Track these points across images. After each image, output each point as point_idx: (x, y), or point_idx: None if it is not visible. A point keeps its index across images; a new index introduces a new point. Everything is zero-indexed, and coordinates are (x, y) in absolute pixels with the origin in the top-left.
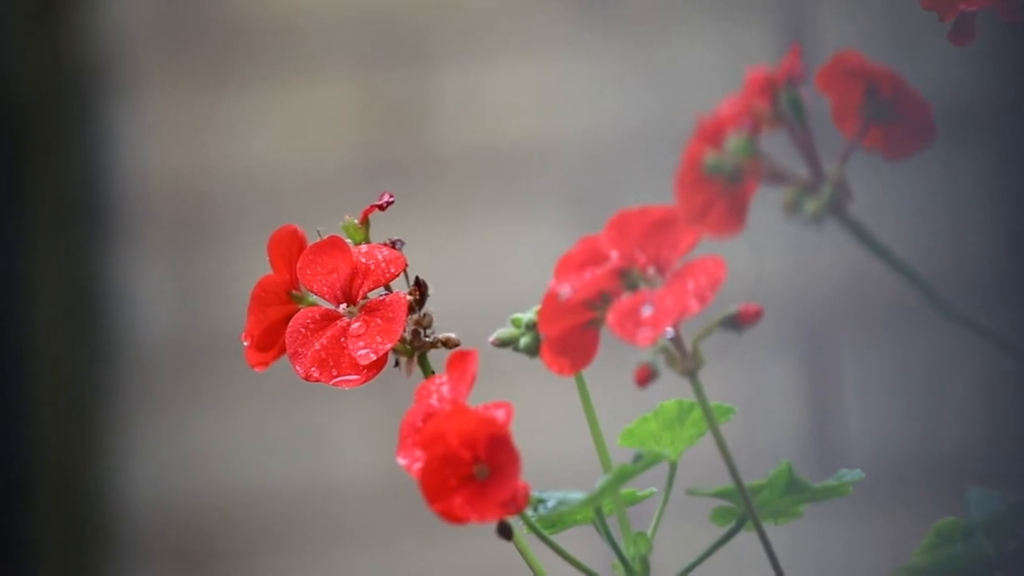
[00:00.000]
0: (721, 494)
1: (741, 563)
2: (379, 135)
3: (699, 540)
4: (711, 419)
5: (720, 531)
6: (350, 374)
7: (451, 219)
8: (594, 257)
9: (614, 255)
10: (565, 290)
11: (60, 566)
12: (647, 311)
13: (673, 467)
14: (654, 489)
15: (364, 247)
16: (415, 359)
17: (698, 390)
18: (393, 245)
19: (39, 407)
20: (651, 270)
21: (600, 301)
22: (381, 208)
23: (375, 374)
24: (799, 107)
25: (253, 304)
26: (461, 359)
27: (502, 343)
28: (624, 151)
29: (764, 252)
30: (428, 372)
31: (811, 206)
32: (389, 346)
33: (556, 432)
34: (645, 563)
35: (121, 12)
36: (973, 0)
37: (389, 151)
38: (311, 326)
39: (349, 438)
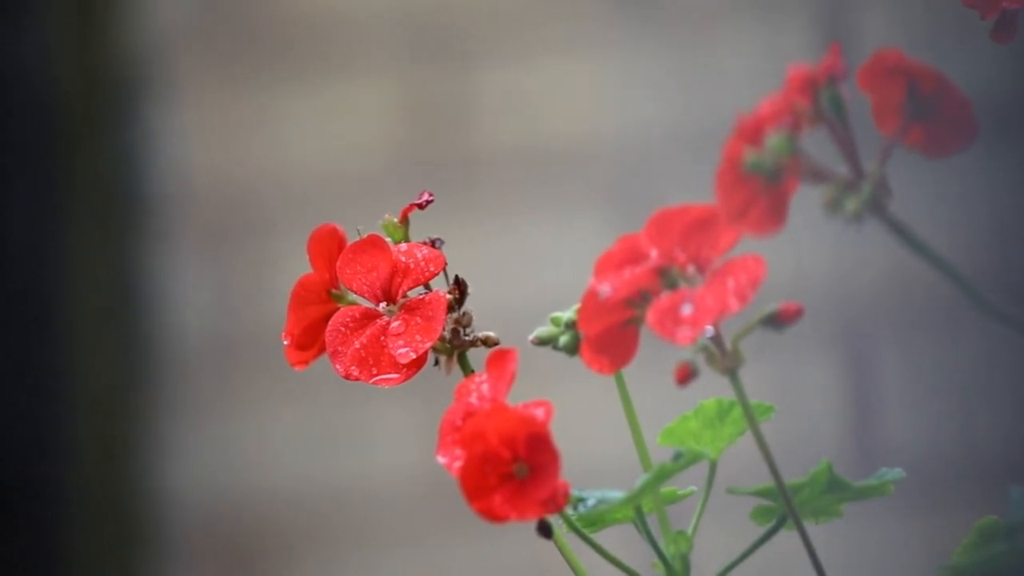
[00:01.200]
0: (761, 493)
1: (781, 562)
2: (418, 134)
3: (739, 539)
4: (751, 417)
5: (760, 530)
6: (390, 373)
7: (490, 218)
8: (634, 256)
9: (654, 254)
10: (605, 289)
11: (99, 565)
12: (687, 310)
13: (713, 466)
14: (694, 488)
15: (404, 246)
16: (454, 358)
17: (738, 388)
18: (433, 244)
19: (79, 406)
20: (691, 269)
21: (640, 300)
22: (420, 207)
23: (415, 373)
24: (840, 105)
25: (293, 303)
26: (501, 358)
27: (542, 342)
28: (664, 150)
29: (805, 251)
30: (468, 371)
31: (851, 204)
32: (429, 345)
33: (596, 431)
34: (685, 562)
35: (160, 13)
36: None
37: (428, 150)
38: (351, 325)
39: (389, 436)
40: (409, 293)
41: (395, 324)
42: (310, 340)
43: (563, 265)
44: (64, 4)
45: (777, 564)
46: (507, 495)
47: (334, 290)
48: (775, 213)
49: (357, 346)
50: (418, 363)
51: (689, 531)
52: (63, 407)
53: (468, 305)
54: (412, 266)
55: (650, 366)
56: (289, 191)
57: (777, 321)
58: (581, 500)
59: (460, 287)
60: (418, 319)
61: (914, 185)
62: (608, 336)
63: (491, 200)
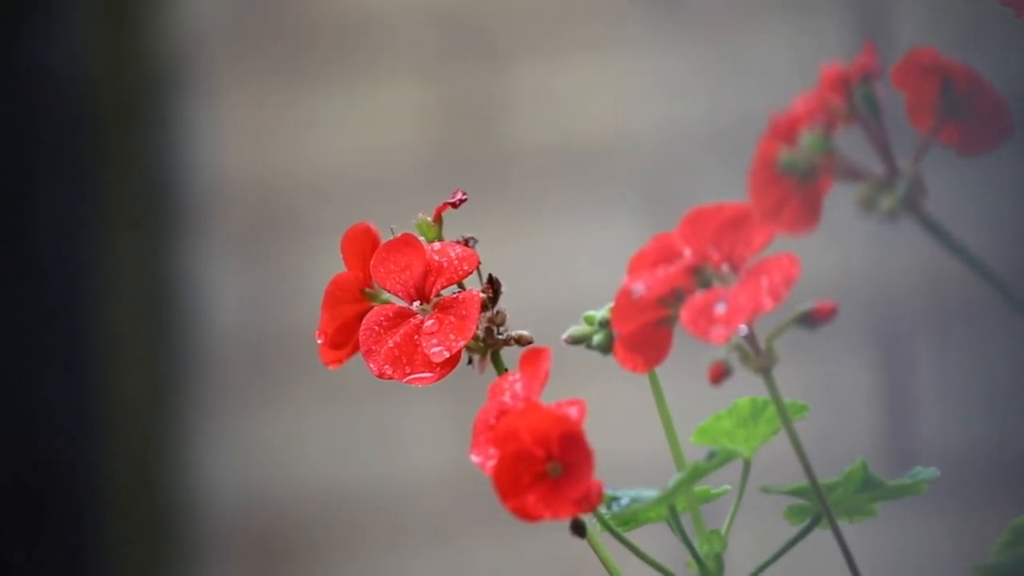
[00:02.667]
0: (795, 492)
1: (815, 561)
2: (451, 133)
3: (773, 538)
4: (785, 416)
5: (794, 529)
6: (423, 371)
7: (523, 216)
8: (668, 254)
9: (688, 252)
10: (638, 287)
11: (136, 564)
12: (721, 308)
13: (747, 465)
14: (728, 487)
15: (437, 245)
16: (488, 356)
17: (772, 387)
18: (466, 243)
19: (115, 405)
20: (725, 267)
21: (674, 298)
22: (454, 206)
23: (448, 372)
24: (874, 103)
25: (327, 302)
26: (534, 356)
27: (575, 340)
28: (697, 148)
29: (838, 250)
30: (501, 369)
31: (886, 203)
32: (462, 344)
33: (629, 430)
34: (719, 561)
35: (195, 11)
36: None
37: (461, 149)
38: (385, 324)
39: (422, 435)
40: (443, 292)
41: (429, 323)
42: (344, 339)
43: (596, 264)
44: (98, 3)
45: (811, 563)
46: (541, 494)
47: (368, 289)
48: (809, 212)
49: (391, 345)
50: (452, 362)
51: (723, 530)
52: (98, 408)
53: (501, 304)
54: (446, 265)
55: (684, 365)
56: (323, 190)
57: (811, 320)
58: (615, 499)
59: (494, 286)
60: (452, 318)
61: (948, 184)
62: (642, 335)
63: (524, 199)
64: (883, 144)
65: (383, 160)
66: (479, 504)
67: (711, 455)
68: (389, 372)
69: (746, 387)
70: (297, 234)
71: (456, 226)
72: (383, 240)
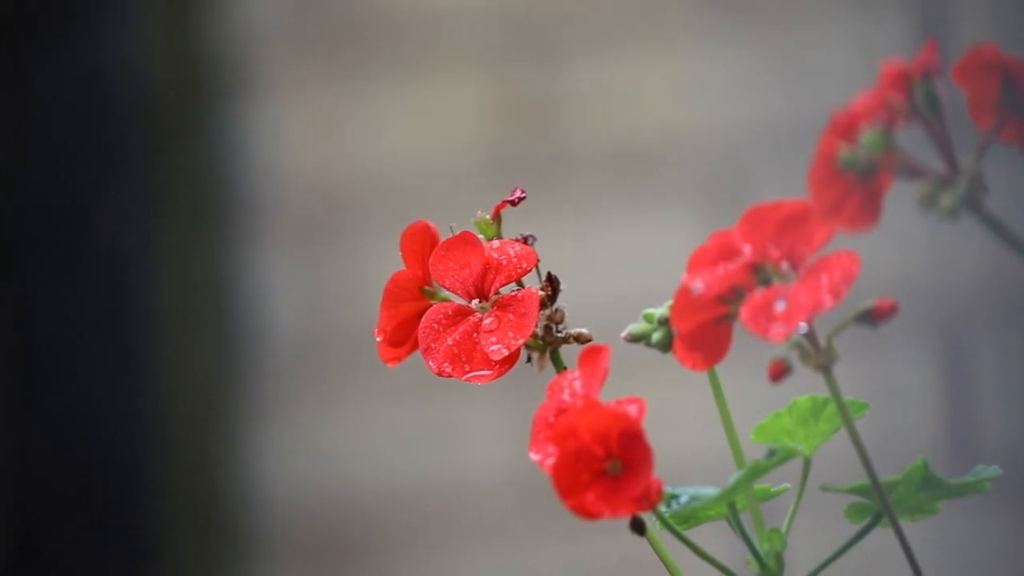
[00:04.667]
0: (856, 490)
1: (876, 560)
2: (510, 130)
3: (833, 536)
4: (845, 414)
5: (854, 527)
6: (482, 369)
7: (582, 214)
8: (727, 252)
9: (747, 250)
10: (698, 285)
11: (194, 563)
12: (780, 306)
13: (807, 463)
14: (788, 485)
15: (496, 242)
16: (547, 354)
17: (832, 385)
18: (525, 240)
19: (172, 404)
20: (784, 265)
21: (733, 296)
22: (513, 204)
23: (507, 369)
24: (935, 100)
25: (385, 300)
26: (593, 354)
27: (634, 338)
28: (757, 146)
29: (899, 247)
30: (560, 367)
31: (946, 200)
32: (521, 341)
33: (689, 428)
34: (779, 559)
35: (252, 10)
36: None
37: (520, 146)
38: (443, 322)
39: (481, 433)
40: (502, 290)
41: (488, 321)
42: (403, 337)
43: (655, 261)
44: (159, 4)
45: (872, 562)
46: (600, 492)
47: (427, 287)
48: (869, 209)
49: (450, 343)
50: (510, 360)
51: (783, 528)
52: (156, 406)
53: (560, 302)
54: (505, 263)
55: (743, 363)
56: (381, 188)
57: (872, 318)
58: (674, 497)
59: (552, 284)
60: (511, 316)
61: (1009, 181)
62: (701, 333)
63: (583, 196)
64: (944, 141)
65: (442, 158)
66: (538, 502)
67: (771, 453)
68: (448, 370)
69: (806, 385)
70: (356, 232)
71: (515, 224)
72: (442, 238)
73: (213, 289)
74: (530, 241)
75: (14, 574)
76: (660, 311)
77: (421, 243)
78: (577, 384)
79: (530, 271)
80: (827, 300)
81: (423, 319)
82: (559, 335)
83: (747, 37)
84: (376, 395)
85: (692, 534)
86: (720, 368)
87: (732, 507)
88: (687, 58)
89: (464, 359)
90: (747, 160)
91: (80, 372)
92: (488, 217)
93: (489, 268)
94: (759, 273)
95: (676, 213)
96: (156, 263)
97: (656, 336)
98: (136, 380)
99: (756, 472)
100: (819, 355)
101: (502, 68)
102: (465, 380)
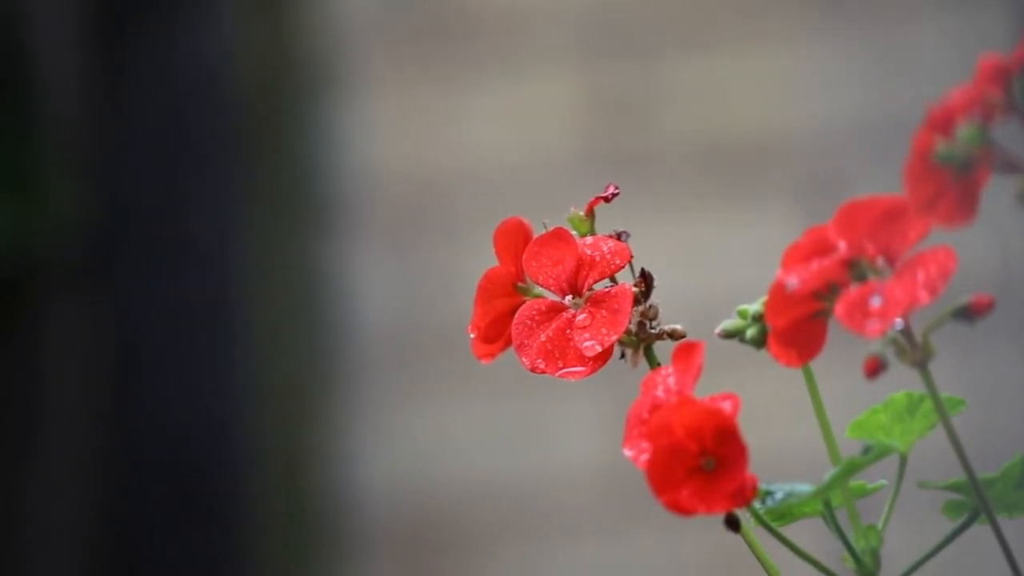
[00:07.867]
0: (953, 487)
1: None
2: (603, 127)
3: (930, 533)
4: (942, 411)
5: (952, 524)
6: (576, 366)
7: (676, 210)
8: (822, 248)
9: (842, 246)
10: (793, 281)
11: (287, 560)
12: (876, 302)
13: (903, 459)
14: (884, 482)
15: (589, 239)
16: (641, 351)
17: (928, 381)
18: (619, 237)
19: (264, 405)
20: (880, 261)
21: (828, 292)
22: (606, 200)
23: (601, 366)
24: None
25: (479, 296)
26: (687, 351)
27: (728, 334)
28: (852, 142)
29: (997, 242)
30: (654, 364)
31: None
32: (615, 338)
33: (784, 424)
34: (876, 557)
35: (343, 9)
36: None
37: (613, 143)
38: (537, 318)
39: (574, 430)
40: (595, 286)
41: (581, 317)
42: (496, 333)
43: (749, 257)
44: (248, 1)
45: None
46: (695, 488)
47: (520, 283)
48: (966, 204)
49: (543, 339)
50: (604, 356)
51: (880, 525)
52: (248, 406)
53: (654, 298)
54: (598, 259)
55: (839, 359)
56: (474, 185)
57: (969, 314)
58: (769, 494)
59: (646, 280)
60: (604, 312)
61: None
62: (796, 329)
63: (676, 192)
64: None
65: (535, 154)
66: (632, 498)
67: (867, 450)
68: (542, 366)
69: (902, 381)
70: (448, 229)
71: (608, 220)
72: (535, 234)
73: (306, 286)
74: (623, 237)
75: None
76: (754, 307)
77: (515, 240)
78: (671, 380)
79: (623, 267)
80: (923, 296)
81: (516, 315)
82: (653, 331)
83: (842, 32)
84: (469, 392)
85: (787, 531)
86: (815, 364)
87: (827, 504)
88: (781, 54)
89: (557, 355)
90: (842, 156)
91: (173, 370)
92: (581, 213)
93: (582, 264)
94: (854, 269)
95: (771, 209)
96: (248, 260)
97: (750, 332)
98: (230, 379)
99: (852, 468)
100: (915, 351)
101: (595, 64)
102: (558, 376)
